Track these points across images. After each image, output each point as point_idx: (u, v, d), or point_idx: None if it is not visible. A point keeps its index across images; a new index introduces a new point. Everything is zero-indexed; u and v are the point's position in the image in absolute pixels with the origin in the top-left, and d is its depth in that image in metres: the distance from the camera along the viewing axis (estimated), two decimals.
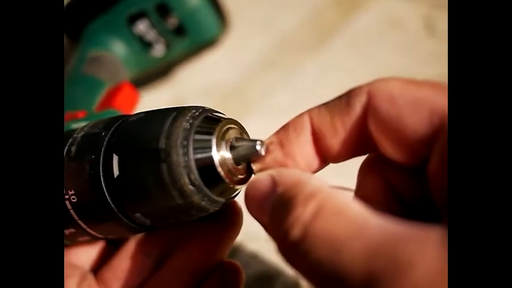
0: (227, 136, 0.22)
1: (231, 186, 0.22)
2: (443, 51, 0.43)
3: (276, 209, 0.19)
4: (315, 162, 0.21)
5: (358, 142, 0.20)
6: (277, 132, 0.22)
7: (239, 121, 0.23)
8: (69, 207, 0.24)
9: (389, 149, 0.20)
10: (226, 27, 0.43)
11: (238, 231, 0.26)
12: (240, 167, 0.22)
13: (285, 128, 0.22)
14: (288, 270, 0.33)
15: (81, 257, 0.28)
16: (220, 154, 0.21)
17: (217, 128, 0.21)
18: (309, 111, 0.21)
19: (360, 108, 0.20)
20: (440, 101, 0.18)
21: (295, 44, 0.48)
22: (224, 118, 0.22)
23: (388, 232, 0.15)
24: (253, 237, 0.35)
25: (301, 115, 0.21)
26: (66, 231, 0.25)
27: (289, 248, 0.17)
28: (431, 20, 0.46)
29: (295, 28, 0.49)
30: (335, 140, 0.20)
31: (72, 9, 0.43)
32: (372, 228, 0.16)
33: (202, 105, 0.23)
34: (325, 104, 0.21)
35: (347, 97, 0.20)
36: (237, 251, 0.35)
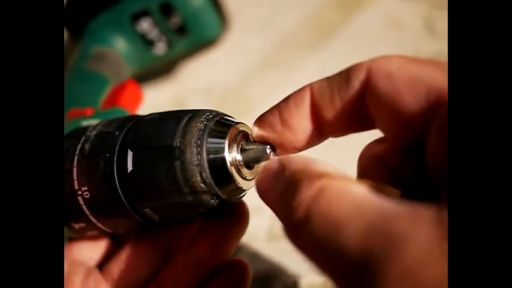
0: (238, 139, 0.23)
1: (240, 186, 0.23)
2: (443, 51, 0.43)
3: (283, 192, 0.19)
4: (312, 134, 0.22)
5: (356, 117, 0.21)
6: (278, 103, 0.22)
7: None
8: (82, 202, 0.25)
9: (386, 125, 0.20)
10: (226, 27, 0.43)
11: (245, 230, 0.26)
12: (248, 169, 0.23)
13: (285, 99, 0.22)
14: (288, 270, 0.33)
15: (86, 253, 0.28)
16: (231, 155, 0.22)
17: (230, 131, 0.22)
18: (310, 84, 0.22)
19: (359, 84, 0.20)
20: (438, 78, 0.18)
21: (295, 44, 0.48)
22: (236, 122, 0.23)
23: (385, 211, 0.16)
24: (253, 237, 0.35)
25: (302, 88, 0.22)
26: (76, 226, 0.26)
27: (294, 228, 0.18)
28: (431, 20, 0.46)
29: (295, 28, 0.49)
30: (333, 114, 0.21)
31: (75, 5, 0.43)
32: (370, 208, 0.16)
33: (215, 109, 0.23)
34: (327, 78, 0.21)
35: (347, 72, 0.21)
36: (237, 251, 0.35)
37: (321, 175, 0.18)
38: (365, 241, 0.15)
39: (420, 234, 0.15)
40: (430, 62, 0.19)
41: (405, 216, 0.15)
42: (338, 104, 0.21)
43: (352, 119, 0.21)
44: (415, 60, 0.19)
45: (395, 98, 0.19)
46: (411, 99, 0.19)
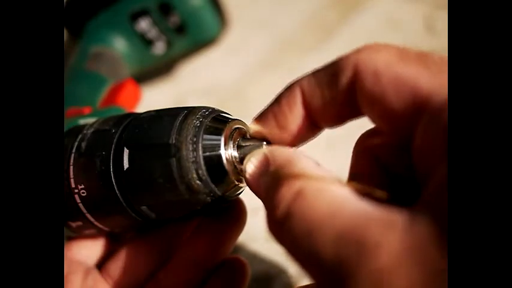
0: (235, 136, 0.23)
1: (236, 184, 0.23)
2: (443, 51, 0.42)
3: (268, 187, 0.20)
4: (308, 131, 0.22)
5: (348, 108, 0.21)
6: (271, 106, 0.22)
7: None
8: (78, 201, 0.24)
9: (375, 121, 0.21)
10: (225, 26, 0.44)
11: (242, 229, 0.26)
12: None
13: (278, 102, 0.22)
14: (288, 270, 0.33)
15: (84, 252, 0.28)
16: (227, 152, 0.22)
17: (226, 128, 0.22)
18: (299, 83, 0.22)
19: (346, 82, 0.20)
20: (424, 80, 0.18)
21: (295, 43, 0.48)
22: (232, 119, 0.23)
23: (359, 216, 0.16)
24: (253, 237, 0.35)
25: (292, 88, 0.22)
26: (73, 224, 0.26)
27: (275, 224, 0.18)
28: (431, 20, 0.46)
29: (295, 28, 0.49)
30: (325, 110, 0.21)
31: (74, 5, 0.43)
32: (345, 212, 0.17)
33: (211, 106, 0.23)
34: (314, 75, 0.21)
35: (334, 69, 0.21)
36: (237, 251, 0.35)
37: (300, 175, 0.18)
38: (338, 246, 0.16)
39: (391, 240, 0.15)
40: (418, 59, 0.19)
41: (378, 222, 0.16)
42: (329, 98, 0.21)
43: (346, 109, 0.21)
44: (402, 58, 0.19)
45: (381, 98, 0.19)
46: (397, 100, 0.19)
